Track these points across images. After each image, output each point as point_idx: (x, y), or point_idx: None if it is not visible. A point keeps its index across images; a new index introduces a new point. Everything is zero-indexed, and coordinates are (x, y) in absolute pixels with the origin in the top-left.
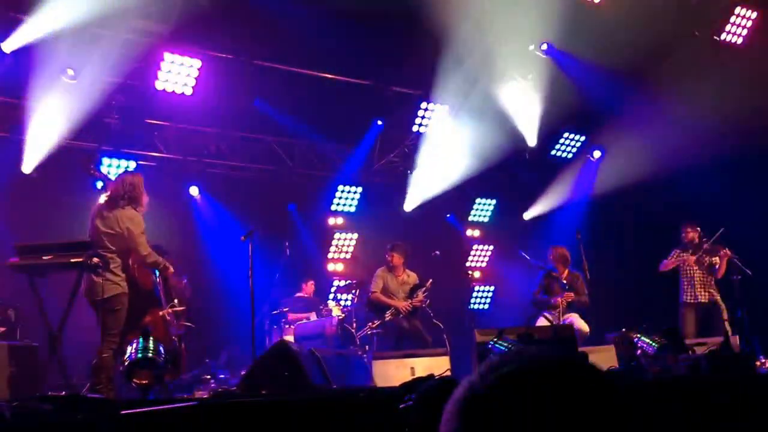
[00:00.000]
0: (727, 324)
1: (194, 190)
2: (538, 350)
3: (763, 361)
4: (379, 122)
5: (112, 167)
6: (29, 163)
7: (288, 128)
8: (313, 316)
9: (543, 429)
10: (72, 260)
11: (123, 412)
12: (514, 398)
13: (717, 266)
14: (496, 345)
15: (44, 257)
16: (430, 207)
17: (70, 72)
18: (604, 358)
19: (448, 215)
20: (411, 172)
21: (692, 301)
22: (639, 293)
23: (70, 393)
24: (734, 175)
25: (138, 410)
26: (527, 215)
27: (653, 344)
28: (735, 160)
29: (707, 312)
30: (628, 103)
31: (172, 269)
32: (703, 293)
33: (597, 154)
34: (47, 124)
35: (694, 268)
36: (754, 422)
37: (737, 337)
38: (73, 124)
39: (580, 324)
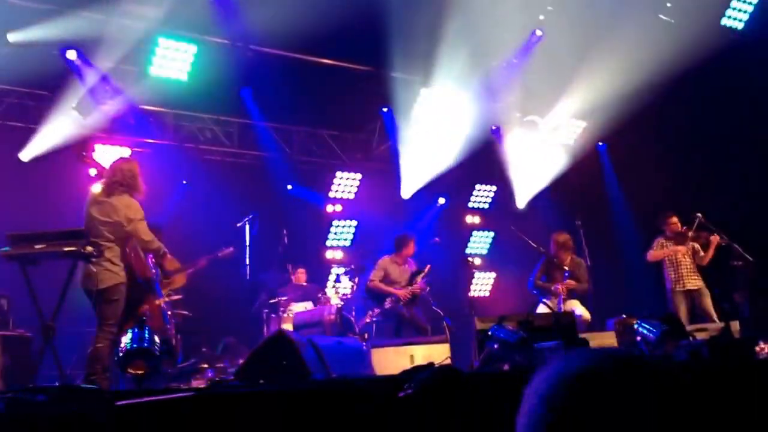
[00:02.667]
0: (712, 308)
1: None
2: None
3: (763, 346)
4: (385, 109)
5: (107, 154)
6: (30, 152)
7: (285, 114)
8: (309, 304)
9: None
10: (65, 249)
11: (118, 402)
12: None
13: (702, 254)
14: (496, 333)
15: (36, 246)
16: (429, 193)
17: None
18: (605, 344)
19: (440, 200)
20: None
21: (681, 288)
22: (639, 280)
23: (64, 384)
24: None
25: (133, 401)
26: (520, 203)
27: (654, 330)
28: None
29: (694, 299)
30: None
31: (169, 256)
32: (690, 281)
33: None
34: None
35: (681, 256)
36: (754, 408)
37: (738, 322)
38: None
39: (581, 311)
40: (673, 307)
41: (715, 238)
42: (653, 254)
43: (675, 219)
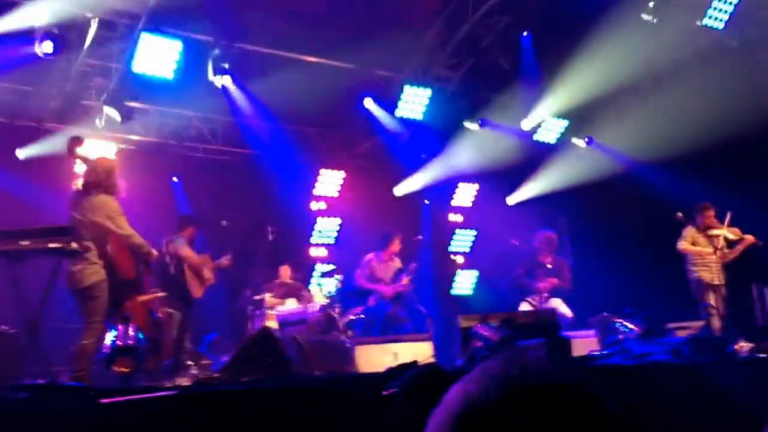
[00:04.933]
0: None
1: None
2: (533, 362)
3: (742, 344)
4: (369, 101)
5: (92, 150)
6: (29, 151)
7: (269, 111)
8: (293, 302)
9: None
10: (50, 246)
11: (102, 400)
12: (522, 418)
13: (726, 250)
14: (479, 331)
15: (21, 242)
16: (413, 192)
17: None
18: (586, 342)
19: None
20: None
21: (709, 282)
22: (621, 278)
23: (49, 381)
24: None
25: (118, 399)
26: (511, 200)
27: (634, 328)
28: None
29: (716, 294)
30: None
31: (155, 253)
32: (717, 277)
33: (582, 142)
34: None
35: (710, 251)
36: (731, 405)
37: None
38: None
39: (563, 309)
40: (699, 298)
41: (749, 238)
42: (685, 246)
43: (711, 212)
